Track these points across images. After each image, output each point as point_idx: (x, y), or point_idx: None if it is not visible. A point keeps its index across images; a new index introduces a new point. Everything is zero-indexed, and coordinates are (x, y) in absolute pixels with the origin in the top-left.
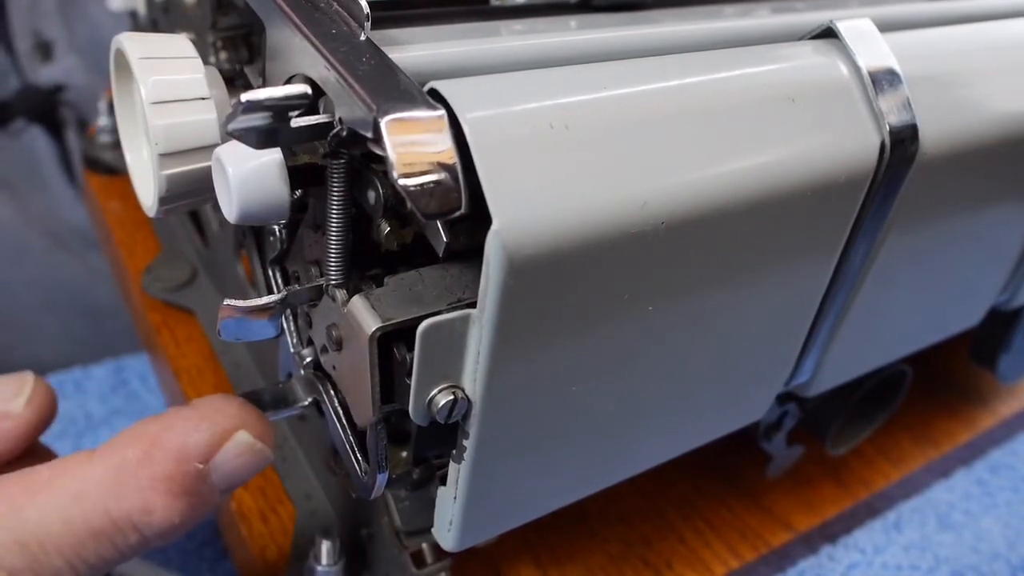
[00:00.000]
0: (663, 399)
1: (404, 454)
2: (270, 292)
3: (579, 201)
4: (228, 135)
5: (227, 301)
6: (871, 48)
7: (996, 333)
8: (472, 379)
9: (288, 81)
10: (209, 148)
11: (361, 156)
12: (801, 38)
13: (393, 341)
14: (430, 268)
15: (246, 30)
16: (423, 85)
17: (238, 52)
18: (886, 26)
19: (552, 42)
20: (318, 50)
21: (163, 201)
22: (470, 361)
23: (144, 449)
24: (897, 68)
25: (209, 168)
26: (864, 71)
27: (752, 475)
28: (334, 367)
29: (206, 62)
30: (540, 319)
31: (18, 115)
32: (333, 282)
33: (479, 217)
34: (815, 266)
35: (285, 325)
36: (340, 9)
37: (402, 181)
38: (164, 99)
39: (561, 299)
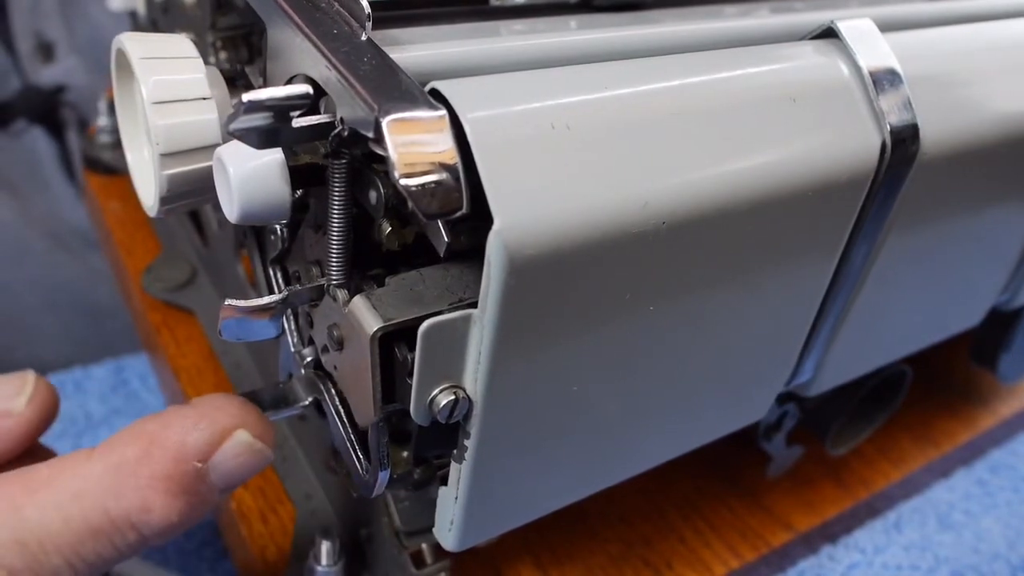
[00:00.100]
0: (664, 399)
1: (405, 454)
2: (271, 292)
3: (580, 201)
4: (229, 135)
5: (228, 301)
6: (872, 48)
7: (996, 333)
8: (473, 379)
9: (289, 81)
10: (210, 148)
11: (362, 156)
12: (802, 38)
13: (394, 341)
14: (431, 268)
15: (246, 30)
16: (424, 85)
17: (237, 52)
18: (887, 26)
19: (553, 42)
20: (319, 50)
21: (164, 201)
22: (471, 361)
23: (143, 447)
24: (898, 68)
25: (210, 168)
26: (865, 71)
27: (752, 475)
28: (335, 367)
29: (205, 62)
30: (541, 319)
31: (19, 116)
32: (334, 282)
33: (480, 217)
34: (816, 266)
35: (286, 324)
36: (341, 9)
37: (403, 181)
38: (165, 99)
39: (562, 299)
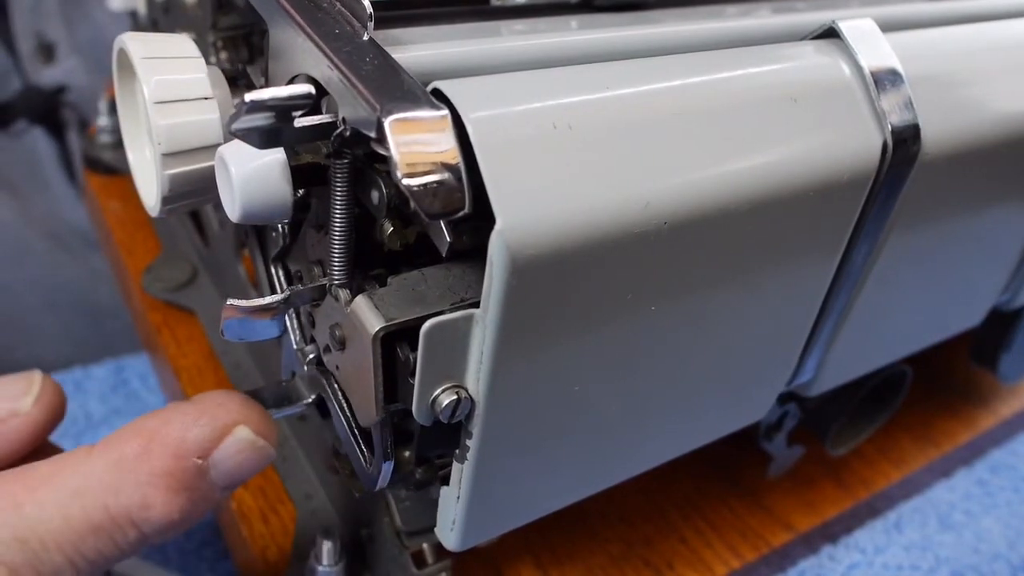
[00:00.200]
0: (665, 399)
1: (407, 454)
2: (273, 291)
3: (582, 201)
4: (231, 135)
5: (230, 301)
6: (873, 48)
7: (997, 333)
8: (475, 379)
9: (291, 81)
10: (212, 148)
11: (364, 156)
12: (803, 38)
13: (396, 341)
14: (433, 268)
15: (246, 30)
16: (426, 85)
17: (238, 52)
18: (888, 26)
19: (554, 42)
20: (321, 50)
21: (166, 201)
22: (473, 361)
23: (143, 444)
24: (899, 68)
25: (212, 168)
26: (866, 71)
27: (753, 475)
28: (337, 367)
29: (206, 62)
30: (543, 319)
31: (20, 116)
32: (336, 282)
33: (482, 217)
34: (817, 266)
35: (288, 323)
36: (343, 9)
37: (406, 181)
38: (167, 99)
39: (564, 299)
